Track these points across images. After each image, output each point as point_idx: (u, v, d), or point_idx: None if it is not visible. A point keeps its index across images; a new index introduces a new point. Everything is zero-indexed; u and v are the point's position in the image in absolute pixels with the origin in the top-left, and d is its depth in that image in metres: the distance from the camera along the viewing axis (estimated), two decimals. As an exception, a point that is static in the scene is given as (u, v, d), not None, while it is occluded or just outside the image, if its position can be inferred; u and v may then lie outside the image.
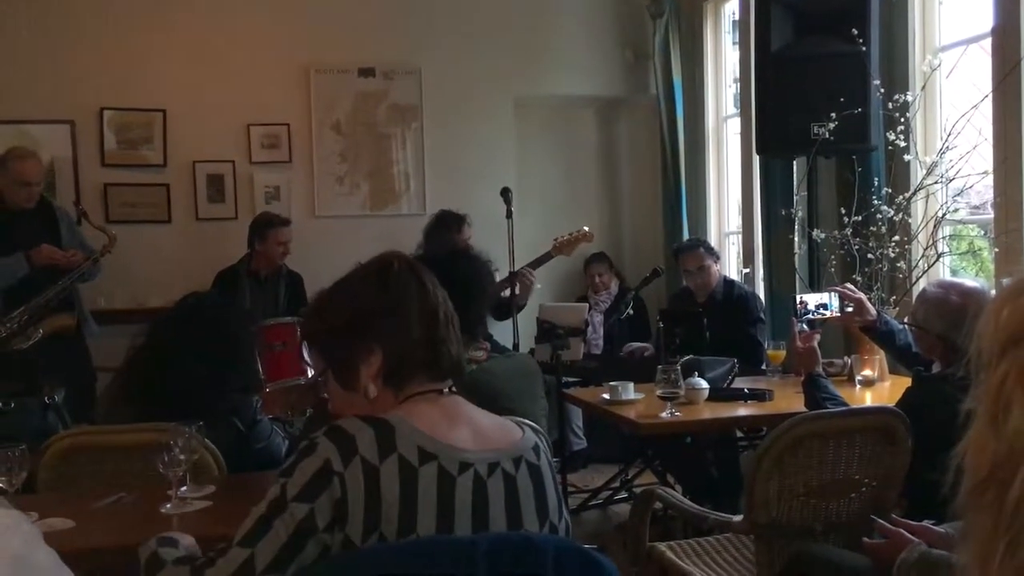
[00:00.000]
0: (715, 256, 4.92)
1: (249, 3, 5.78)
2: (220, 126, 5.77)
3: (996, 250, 3.69)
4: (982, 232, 4.18)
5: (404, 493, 1.34)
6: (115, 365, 2.79)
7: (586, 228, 5.26)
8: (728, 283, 4.93)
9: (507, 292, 4.78)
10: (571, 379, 4.76)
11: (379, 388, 1.49)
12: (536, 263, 5.16)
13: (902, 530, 2.04)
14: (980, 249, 4.23)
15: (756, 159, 5.02)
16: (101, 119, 5.62)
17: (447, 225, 5.18)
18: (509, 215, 4.93)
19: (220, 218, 5.79)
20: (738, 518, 2.68)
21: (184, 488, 2.21)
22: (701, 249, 4.88)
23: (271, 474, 1.38)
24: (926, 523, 2.08)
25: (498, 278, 3.72)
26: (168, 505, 2.15)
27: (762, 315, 4.75)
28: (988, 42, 3.80)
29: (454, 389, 1.52)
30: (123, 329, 2.96)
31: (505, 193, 5.01)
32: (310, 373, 4.44)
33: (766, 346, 4.22)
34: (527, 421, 2.11)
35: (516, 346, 4.68)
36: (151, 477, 2.21)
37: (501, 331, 4.74)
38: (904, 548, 1.98)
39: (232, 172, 5.82)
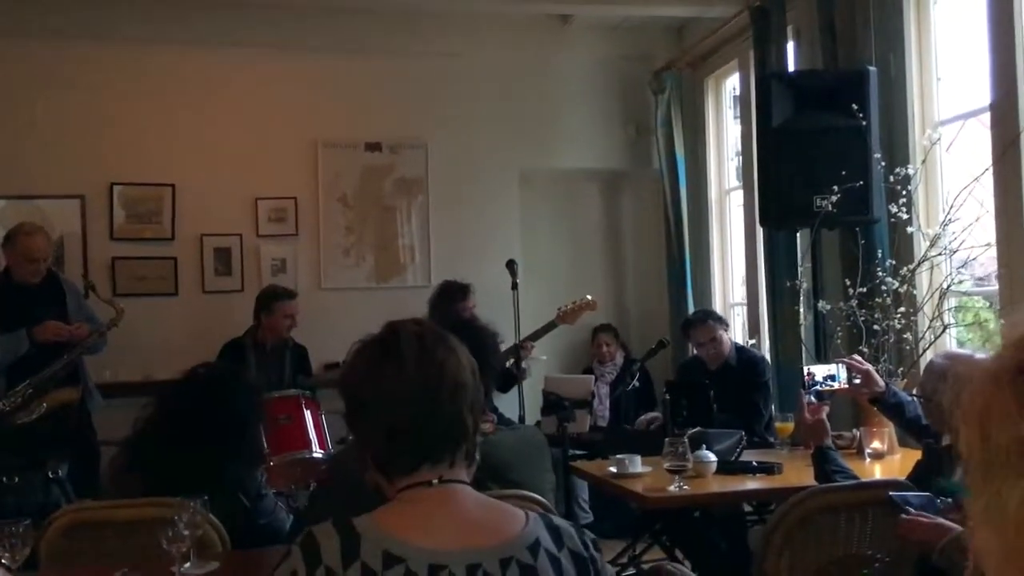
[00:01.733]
0: (724, 325, 4.92)
1: (257, 79, 5.91)
2: (228, 200, 5.84)
3: (1002, 322, 3.69)
4: (988, 303, 4.19)
5: None
6: (120, 438, 2.78)
7: (589, 297, 5.28)
8: (740, 349, 4.94)
9: (510, 363, 4.78)
10: (577, 452, 4.72)
11: (378, 474, 1.44)
12: (540, 333, 5.18)
13: (944, 521, 2.03)
14: (986, 321, 4.23)
15: (760, 231, 5.06)
16: (111, 194, 5.69)
17: (451, 295, 5.21)
18: (514, 287, 4.95)
19: (226, 290, 5.82)
20: (749, 595, 2.62)
21: (187, 564, 2.18)
22: (710, 321, 4.87)
23: (275, 551, 1.36)
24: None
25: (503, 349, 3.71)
26: (171, 582, 2.13)
27: (767, 380, 4.73)
28: (987, 116, 3.86)
29: (445, 478, 1.41)
30: (129, 402, 2.96)
31: (510, 265, 5.04)
32: (315, 446, 4.44)
33: (772, 414, 4.20)
34: (539, 499, 2.00)
35: (522, 418, 4.65)
36: (155, 553, 2.18)
37: (507, 403, 4.72)
38: (947, 534, 1.97)
39: (239, 245, 5.88)
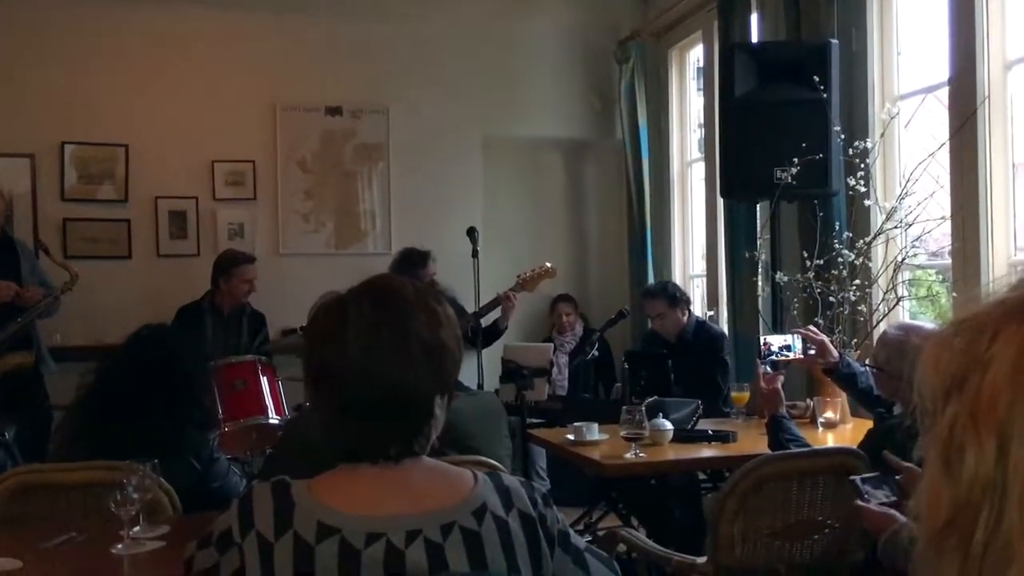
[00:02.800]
0: (681, 303, 4.83)
1: (215, 40, 5.78)
2: (183, 162, 5.74)
3: (954, 295, 3.75)
4: (940, 277, 4.25)
5: (300, 573, 1.25)
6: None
7: (548, 264, 5.27)
8: (700, 324, 4.95)
9: (489, 318, 4.87)
10: (535, 420, 4.74)
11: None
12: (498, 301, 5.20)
13: (893, 511, 2.08)
14: (938, 294, 4.30)
15: (720, 203, 5.08)
16: (62, 153, 5.56)
17: (412, 262, 5.19)
18: (475, 254, 4.94)
19: (182, 255, 5.73)
20: (702, 560, 2.66)
21: (137, 528, 2.15)
22: (663, 297, 4.85)
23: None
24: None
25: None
26: (119, 546, 2.10)
27: (726, 357, 4.77)
28: (944, 92, 3.90)
29: (393, 455, 1.35)
30: (80, 366, 2.90)
31: (471, 232, 5.03)
32: (271, 411, 4.41)
33: (729, 387, 4.23)
34: (495, 464, 1.96)
35: (480, 386, 4.66)
36: (104, 517, 2.15)
37: (465, 370, 4.71)
38: (892, 524, 2.01)
39: (195, 209, 5.78)
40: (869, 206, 4.12)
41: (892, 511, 2.09)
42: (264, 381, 4.48)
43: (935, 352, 0.72)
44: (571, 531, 1.44)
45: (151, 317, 4.45)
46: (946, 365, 0.71)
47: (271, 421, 4.37)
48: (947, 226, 3.86)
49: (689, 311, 4.92)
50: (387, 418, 1.33)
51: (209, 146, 5.76)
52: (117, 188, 5.65)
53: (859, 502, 2.15)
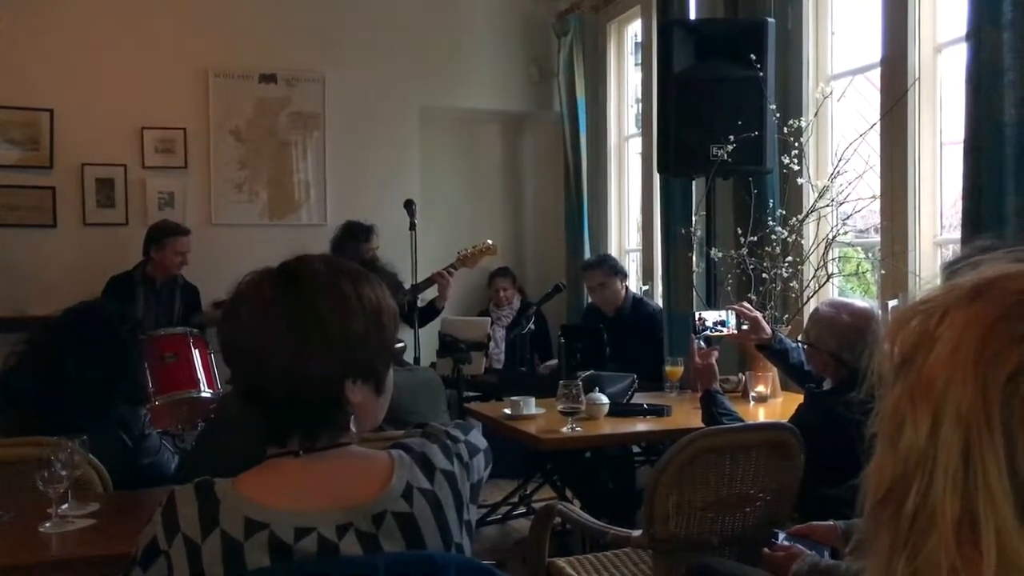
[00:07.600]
0: (620, 274, 4.98)
1: (146, 1, 5.60)
2: (112, 128, 5.56)
3: (882, 272, 3.85)
4: (866, 254, 4.35)
5: (230, 571, 1.22)
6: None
7: (490, 241, 5.26)
8: (637, 300, 5.01)
9: (424, 297, 4.85)
10: (472, 393, 4.75)
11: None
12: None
13: (797, 544, 2.10)
14: (865, 271, 4.40)
15: (656, 178, 5.11)
16: (-18, 117, 5.35)
17: (354, 235, 5.13)
18: (412, 227, 4.91)
19: (110, 223, 5.57)
20: (637, 533, 2.70)
21: (65, 506, 2.10)
22: (604, 267, 4.94)
23: (158, 492, 1.31)
24: (831, 522, 2.17)
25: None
26: (47, 524, 2.05)
27: (663, 336, 4.83)
28: (877, 73, 3.97)
29: (319, 446, 1.32)
30: (3, 337, 2.81)
31: (409, 205, 4.99)
32: (203, 385, 4.33)
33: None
34: (411, 438, 1.94)
35: (417, 360, 4.64)
36: (31, 494, 2.09)
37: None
38: (796, 558, 2.05)
39: (124, 176, 5.61)
40: (802, 184, 4.19)
41: (794, 546, 2.13)
42: (196, 354, 4.40)
43: (892, 333, 0.76)
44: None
45: (77, 287, 4.35)
46: (900, 345, 0.75)
47: (203, 394, 4.30)
48: (876, 204, 3.95)
49: (627, 286, 4.98)
50: (283, 406, 1.30)
51: (138, 112, 5.59)
52: (42, 154, 5.46)
53: (765, 549, 2.18)
